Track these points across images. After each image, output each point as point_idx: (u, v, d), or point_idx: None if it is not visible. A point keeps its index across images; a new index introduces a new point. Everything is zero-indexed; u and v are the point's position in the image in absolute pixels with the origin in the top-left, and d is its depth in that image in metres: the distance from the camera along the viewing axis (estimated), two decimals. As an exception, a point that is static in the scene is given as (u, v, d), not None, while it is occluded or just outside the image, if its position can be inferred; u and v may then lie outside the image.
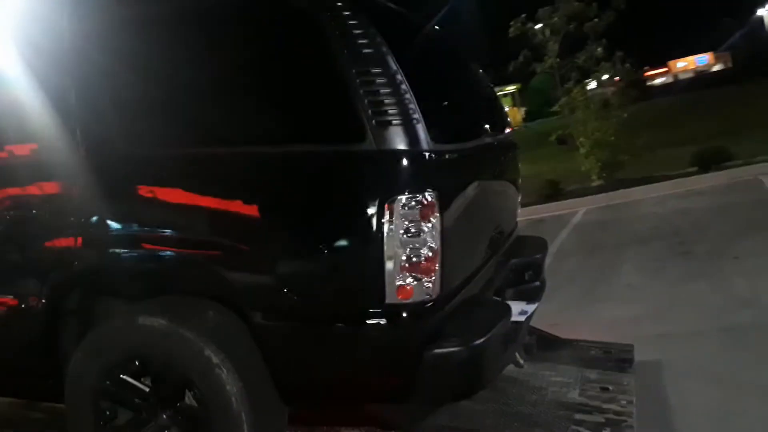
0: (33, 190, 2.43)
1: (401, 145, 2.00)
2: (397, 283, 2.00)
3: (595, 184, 11.32)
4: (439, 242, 2.04)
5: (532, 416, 3.04)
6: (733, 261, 5.50)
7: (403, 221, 1.97)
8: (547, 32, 11.08)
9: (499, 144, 2.95)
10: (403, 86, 2.03)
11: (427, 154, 2.05)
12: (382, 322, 2.03)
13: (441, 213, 2.05)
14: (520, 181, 3.43)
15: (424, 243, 2.01)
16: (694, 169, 10.30)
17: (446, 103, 2.54)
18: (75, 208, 2.34)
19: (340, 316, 2.09)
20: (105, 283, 2.46)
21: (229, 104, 2.27)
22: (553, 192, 11.01)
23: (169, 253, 2.29)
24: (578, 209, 9.80)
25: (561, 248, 7.29)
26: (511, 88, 38.63)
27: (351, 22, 2.08)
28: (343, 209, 2.07)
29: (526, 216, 10.06)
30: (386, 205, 1.97)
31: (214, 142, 2.24)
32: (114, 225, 2.32)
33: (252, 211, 2.14)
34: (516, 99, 41.68)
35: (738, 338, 3.94)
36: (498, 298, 2.70)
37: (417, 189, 2.00)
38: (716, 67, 50.77)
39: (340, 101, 2.05)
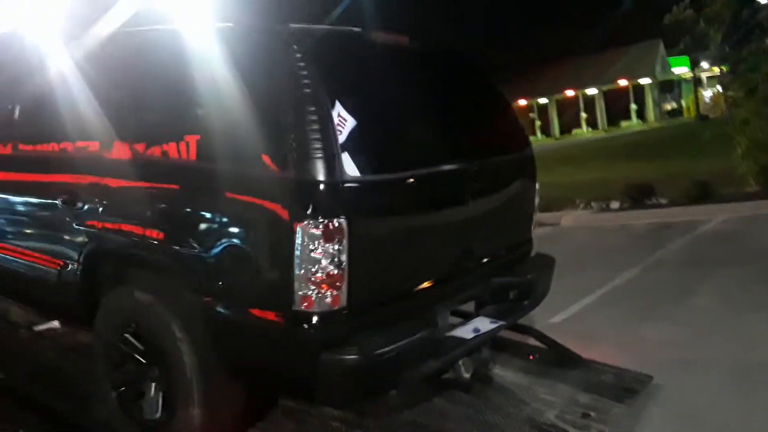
0: None
1: (318, 176, 2.28)
2: (301, 293, 2.29)
3: (751, 189, 10.28)
4: (346, 262, 2.30)
5: (496, 427, 3.17)
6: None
7: (310, 241, 2.26)
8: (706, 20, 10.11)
9: (478, 169, 2.98)
10: (324, 124, 2.30)
11: (340, 184, 2.31)
12: (288, 325, 2.35)
13: (350, 237, 2.30)
14: (528, 201, 3.48)
15: (331, 261, 2.28)
16: None
17: (388, 134, 2.68)
18: None
19: (262, 313, 2.44)
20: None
21: None
22: (701, 194, 10.21)
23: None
24: (716, 216, 9.05)
25: (661, 258, 6.93)
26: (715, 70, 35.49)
27: (286, 61, 2.38)
28: (269, 225, 2.39)
29: (658, 219, 9.64)
30: (296, 226, 2.27)
31: None
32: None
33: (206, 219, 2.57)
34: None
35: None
36: (431, 312, 2.78)
37: (325, 214, 2.26)
38: None
39: (271, 134, 2.37)
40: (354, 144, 2.41)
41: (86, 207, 2.98)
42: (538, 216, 11.74)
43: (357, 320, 2.43)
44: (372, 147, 2.54)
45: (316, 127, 2.31)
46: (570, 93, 41.58)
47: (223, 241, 2.51)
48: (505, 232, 3.33)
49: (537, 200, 3.61)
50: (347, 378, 2.38)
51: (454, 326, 2.95)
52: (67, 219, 3.08)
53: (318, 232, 2.26)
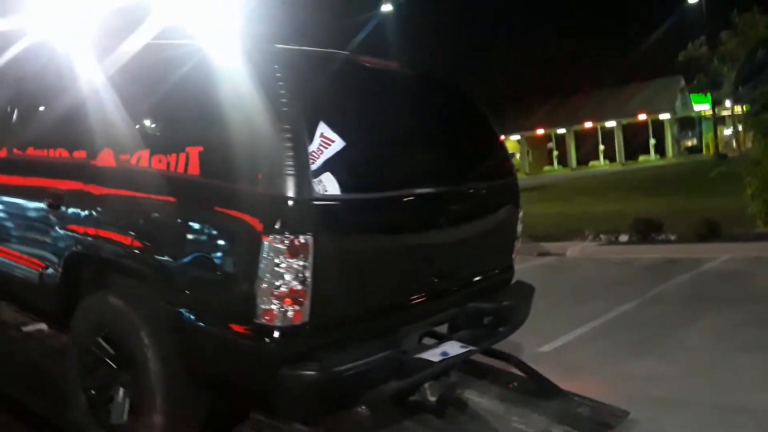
0: None
1: (287, 192, 2.31)
2: (264, 307, 2.32)
3: (759, 230, 10.17)
4: (310, 278, 2.32)
5: (464, 455, 3.15)
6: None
7: (274, 256, 2.29)
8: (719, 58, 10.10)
9: (455, 193, 3.02)
10: (297, 144, 2.35)
11: (308, 202, 2.34)
12: (250, 338, 2.37)
13: (315, 254, 2.32)
14: (509, 229, 3.49)
15: (295, 277, 2.31)
16: None
17: (369, 156, 2.72)
18: None
19: (226, 325, 2.46)
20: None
21: None
22: (709, 232, 10.12)
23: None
24: (721, 255, 8.95)
25: (661, 294, 6.88)
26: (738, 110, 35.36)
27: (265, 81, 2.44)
28: (238, 238, 2.43)
29: (664, 254, 9.57)
30: (263, 240, 2.30)
31: None
32: None
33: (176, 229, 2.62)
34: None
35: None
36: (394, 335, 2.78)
37: (292, 230, 2.29)
38: None
39: (247, 150, 2.42)
40: (337, 163, 2.45)
41: (69, 211, 3.04)
42: (543, 245, 11.65)
43: (319, 337, 2.44)
44: (353, 167, 2.57)
45: (289, 145, 2.35)
46: (589, 125, 41.54)
47: (193, 250, 2.55)
48: (483, 257, 3.33)
49: (520, 228, 3.61)
50: (306, 393, 2.39)
51: (422, 348, 2.94)
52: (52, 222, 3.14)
53: (283, 246, 2.29)
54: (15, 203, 3.55)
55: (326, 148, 2.53)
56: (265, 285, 2.30)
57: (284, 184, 2.32)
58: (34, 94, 3.57)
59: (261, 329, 2.34)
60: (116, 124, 2.87)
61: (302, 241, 2.30)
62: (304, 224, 2.32)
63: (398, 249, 2.77)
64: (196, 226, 2.55)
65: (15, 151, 3.56)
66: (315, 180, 2.45)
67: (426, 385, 2.97)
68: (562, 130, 43.20)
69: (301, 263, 2.31)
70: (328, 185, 2.49)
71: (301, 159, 2.35)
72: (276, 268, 2.29)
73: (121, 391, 2.85)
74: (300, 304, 2.33)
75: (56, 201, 3.11)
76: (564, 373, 4.29)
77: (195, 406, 2.76)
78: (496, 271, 3.47)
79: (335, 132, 2.52)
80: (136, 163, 2.75)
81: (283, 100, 2.43)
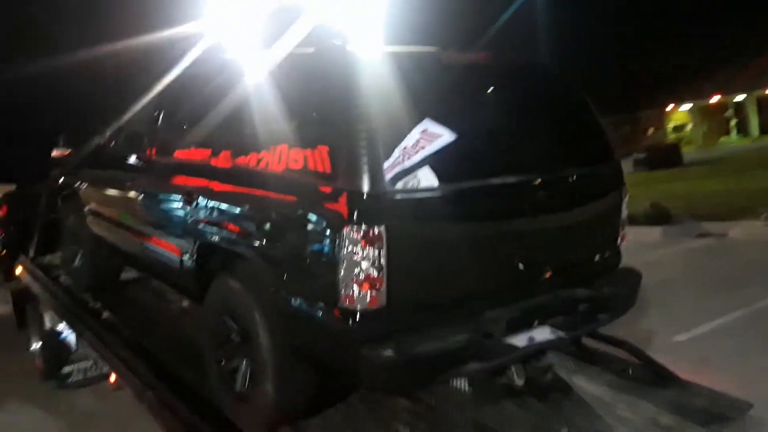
0: None
1: (362, 187, 2.53)
2: (344, 292, 2.55)
3: None
4: (384, 265, 2.52)
5: (560, 438, 3.18)
6: None
7: (352, 245, 2.51)
8: None
9: (544, 181, 3.00)
10: (372, 142, 2.55)
11: (381, 195, 2.53)
12: (335, 319, 2.62)
13: (389, 243, 2.51)
14: (611, 214, 3.42)
15: (371, 264, 2.52)
16: None
17: (459, 147, 2.77)
18: None
19: (316, 306, 2.74)
20: None
21: None
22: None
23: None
24: None
25: None
26: None
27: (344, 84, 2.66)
28: (324, 230, 2.67)
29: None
30: (341, 232, 2.53)
31: None
32: None
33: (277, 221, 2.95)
34: None
35: None
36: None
37: (367, 222, 2.50)
38: None
39: (331, 149, 2.66)
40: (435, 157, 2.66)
41: (199, 205, 3.51)
42: (704, 226, 10.93)
43: (399, 320, 2.64)
44: (446, 159, 2.70)
45: (364, 143, 2.56)
46: (774, 89, 37.12)
47: (291, 240, 2.85)
48: (579, 245, 3.29)
49: (625, 213, 3.51)
50: (383, 371, 2.60)
51: (510, 332, 3.01)
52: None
53: (359, 236, 2.50)
54: (163, 198, 4.11)
55: (430, 142, 2.70)
56: (345, 272, 2.54)
57: (360, 180, 2.53)
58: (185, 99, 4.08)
59: (343, 312, 2.59)
60: (227, 128, 3.26)
61: (376, 231, 2.50)
62: (378, 216, 2.52)
63: (478, 238, 2.86)
64: (293, 218, 2.83)
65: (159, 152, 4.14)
66: (411, 175, 2.64)
67: (513, 368, 3.05)
68: (741, 97, 39.01)
69: (376, 252, 2.51)
70: (424, 179, 2.66)
71: (375, 156, 2.55)
72: (354, 257, 2.52)
73: (244, 362, 3.26)
74: (376, 289, 2.54)
75: (190, 197, 3.59)
76: (694, 364, 4.10)
77: (302, 379, 3.08)
78: (597, 258, 3.41)
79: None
80: (247, 163, 3.12)
81: (359, 102, 2.63)
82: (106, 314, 5.09)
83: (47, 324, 6.61)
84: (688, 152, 30.27)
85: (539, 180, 3.00)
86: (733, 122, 40.04)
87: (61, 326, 6.40)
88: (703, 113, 41.16)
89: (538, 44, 26.90)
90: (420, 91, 2.87)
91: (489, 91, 3.16)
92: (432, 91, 2.95)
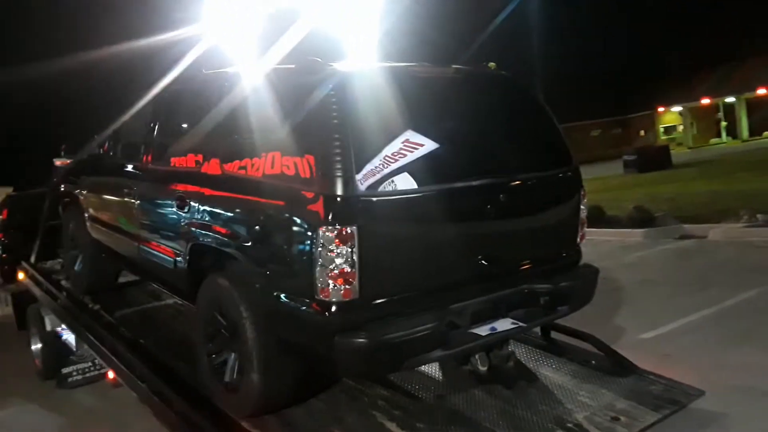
0: None
1: (336, 191, 2.82)
2: (320, 285, 2.84)
3: None
4: (357, 262, 2.81)
5: (524, 422, 3.45)
6: None
7: (326, 243, 2.80)
8: None
9: (504, 184, 3.30)
10: (345, 151, 2.83)
11: (353, 198, 2.82)
12: (311, 310, 2.91)
13: (360, 241, 2.80)
14: (568, 215, 3.70)
15: (344, 260, 2.80)
16: None
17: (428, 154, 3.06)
18: None
19: (295, 299, 3.02)
20: None
21: None
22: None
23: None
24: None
25: None
26: None
27: (320, 99, 2.95)
28: (302, 229, 2.96)
29: None
30: (318, 232, 2.82)
31: None
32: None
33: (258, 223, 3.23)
34: None
35: None
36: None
37: (339, 223, 2.79)
38: None
39: (309, 157, 2.94)
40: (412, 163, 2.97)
41: (191, 209, 3.79)
42: (685, 228, 11.14)
43: (370, 311, 2.92)
44: (414, 164, 2.99)
45: (338, 152, 2.84)
46: (762, 92, 37.52)
47: (275, 240, 3.13)
48: (538, 243, 3.58)
49: (584, 213, 3.80)
50: (355, 357, 2.88)
51: (473, 323, 3.29)
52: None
53: (332, 235, 2.79)
54: (159, 203, 4.38)
55: (411, 151, 3.00)
56: (321, 267, 2.82)
57: (334, 184, 2.82)
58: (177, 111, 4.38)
59: (321, 304, 2.87)
60: (214, 136, 3.57)
61: (348, 230, 2.79)
62: (351, 217, 2.81)
63: (443, 237, 3.14)
64: (280, 220, 3.11)
65: (154, 160, 4.42)
66: (389, 180, 2.93)
67: (477, 356, 3.34)
68: (731, 99, 39.46)
69: (349, 249, 2.79)
70: (401, 184, 2.95)
71: (347, 163, 2.83)
72: (328, 254, 2.80)
73: (233, 355, 3.53)
74: (349, 283, 2.83)
75: (182, 201, 3.87)
76: (656, 359, 4.35)
77: (286, 369, 3.35)
78: (556, 255, 3.70)
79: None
80: (230, 170, 3.41)
81: (335, 114, 2.92)
82: (104, 315, 5.35)
83: (48, 326, 6.88)
84: (678, 154, 30.59)
85: (500, 183, 3.29)
86: (723, 124, 40.48)
87: (61, 328, 6.67)
88: (693, 115, 41.60)
89: (530, 48, 27.26)
90: (392, 102, 3.16)
91: (455, 101, 3.46)
92: (404, 102, 3.22)
